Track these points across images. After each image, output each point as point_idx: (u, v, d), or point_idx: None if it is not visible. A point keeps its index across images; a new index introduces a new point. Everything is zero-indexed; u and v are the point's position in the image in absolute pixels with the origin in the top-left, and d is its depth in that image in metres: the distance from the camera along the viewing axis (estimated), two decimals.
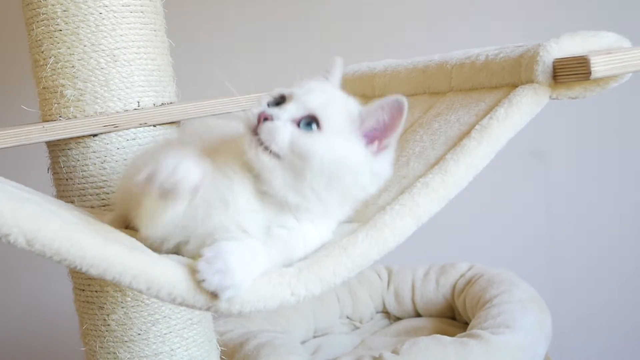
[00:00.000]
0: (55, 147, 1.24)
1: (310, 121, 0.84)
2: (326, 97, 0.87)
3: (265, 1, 2.28)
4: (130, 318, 1.21)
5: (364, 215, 0.92)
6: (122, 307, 1.21)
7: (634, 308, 2.27)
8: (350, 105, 0.89)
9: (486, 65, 1.01)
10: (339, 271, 0.82)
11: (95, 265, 0.72)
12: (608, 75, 0.89)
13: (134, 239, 0.88)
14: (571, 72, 0.89)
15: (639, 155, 2.22)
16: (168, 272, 0.76)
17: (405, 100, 0.83)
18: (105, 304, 1.22)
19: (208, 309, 0.78)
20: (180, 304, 0.77)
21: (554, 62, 0.90)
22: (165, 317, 1.23)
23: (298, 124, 0.84)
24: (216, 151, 0.90)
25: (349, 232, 0.87)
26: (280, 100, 0.87)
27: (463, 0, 2.19)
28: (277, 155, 0.82)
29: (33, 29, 1.23)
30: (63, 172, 1.24)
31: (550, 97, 0.93)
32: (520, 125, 0.92)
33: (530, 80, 0.93)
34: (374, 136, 0.87)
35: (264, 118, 0.83)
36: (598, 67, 0.87)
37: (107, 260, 0.73)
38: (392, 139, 0.87)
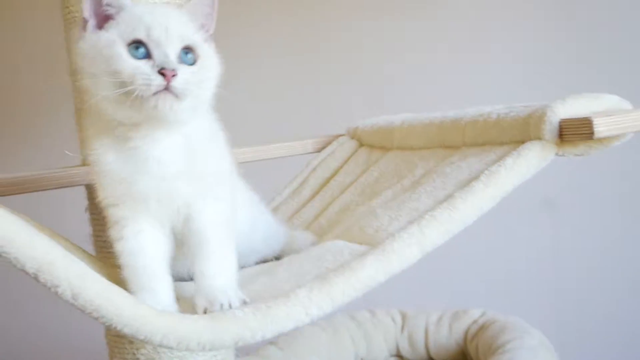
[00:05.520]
0: (95, 189, 1.32)
1: (187, 51, 0.91)
2: (175, 25, 0.91)
3: (285, 51, 2.37)
4: (158, 352, 1.27)
5: (373, 239, 0.99)
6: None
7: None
8: (185, 17, 0.94)
9: (497, 123, 1.09)
10: (348, 291, 0.89)
11: (129, 325, 0.81)
12: (610, 136, 0.97)
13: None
14: (576, 131, 0.97)
15: None
16: (193, 328, 0.84)
17: None
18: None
19: (236, 343, 0.86)
20: (211, 350, 0.86)
21: (560, 122, 0.98)
22: (192, 353, 1.29)
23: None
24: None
25: (359, 254, 0.94)
26: (138, 44, 0.90)
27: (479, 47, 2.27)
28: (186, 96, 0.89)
29: (77, 79, 1.31)
30: (100, 213, 1.32)
31: (556, 153, 1.00)
32: (526, 176, 1.00)
33: (538, 138, 1.00)
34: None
35: (172, 75, 0.87)
36: (600, 128, 0.95)
37: (138, 321, 0.81)
38: (213, 24, 0.97)
